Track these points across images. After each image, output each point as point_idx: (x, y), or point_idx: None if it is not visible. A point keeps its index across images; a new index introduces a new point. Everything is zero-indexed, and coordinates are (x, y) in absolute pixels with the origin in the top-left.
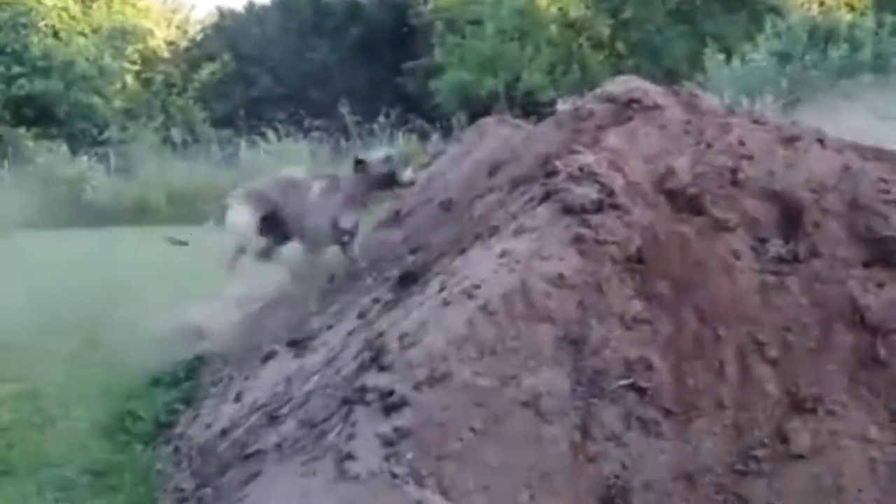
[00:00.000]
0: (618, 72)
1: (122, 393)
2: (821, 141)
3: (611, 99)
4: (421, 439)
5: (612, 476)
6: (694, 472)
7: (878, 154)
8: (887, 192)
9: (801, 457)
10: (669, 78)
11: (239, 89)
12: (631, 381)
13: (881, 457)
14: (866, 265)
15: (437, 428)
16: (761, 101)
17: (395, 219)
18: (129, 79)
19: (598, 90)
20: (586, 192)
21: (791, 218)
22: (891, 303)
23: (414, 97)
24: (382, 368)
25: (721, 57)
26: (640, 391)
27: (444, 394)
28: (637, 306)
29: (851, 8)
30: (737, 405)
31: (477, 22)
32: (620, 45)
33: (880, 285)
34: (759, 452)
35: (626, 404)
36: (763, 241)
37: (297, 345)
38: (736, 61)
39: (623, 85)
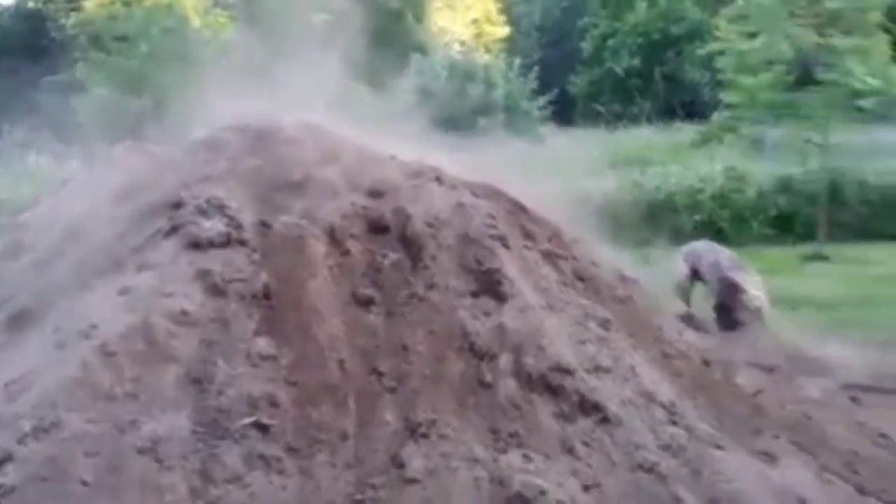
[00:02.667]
0: None
1: None
2: (438, 178)
3: (245, 129)
4: (25, 497)
5: None
6: None
7: (488, 191)
8: (494, 227)
9: (415, 481)
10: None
11: None
12: (255, 419)
13: (485, 475)
14: (475, 295)
15: (41, 483)
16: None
17: (14, 250)
18: None
19: (232, 120)
20: (213, 227)
21: (411, 251)
22: (495, 329)
23: (53, 115)
24: None
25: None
26: (264, 429)
27: (51, 445)
28: (262, 343)
29: (488, 50)
30: (358, 436)
31: (124, 38)
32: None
33: (487, 314)
34: (377, 480)
35: (250, 444)
36: (383, 273)
37: None
38: (383, 95)
39: (258, 116)
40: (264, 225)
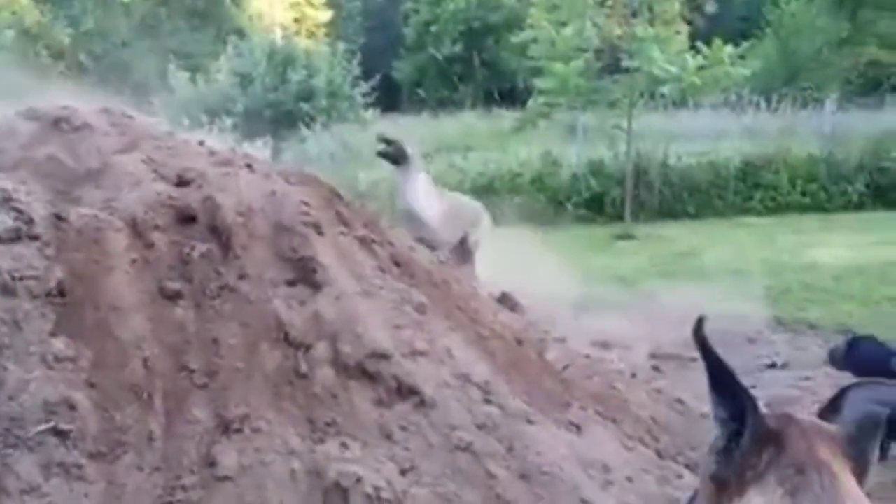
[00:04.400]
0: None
1: None
2: (249, 166)
3: (36, 117)
4: None
5: None
6: None
7: (302, 178)
8: (308, 214)
9: (227, 478)
10: (137, 94)
11: None
12: (52, 425)
13: (302, 467)
14: (290, 284)
15: None
16: (221, 122)
17: None
18: None
19: (24, 107)
20: (2, 220)
21: (221, 242)
22: (311, 318)
23: None
24: None
25: (186, 75)
26: (62, 434)
27: None
28: (59, 344)
29: (311, 35)
30: (166, 436)
31: None
32: (83, 57)
33: (302, 303)
34: (187, 481)
35: (47, 451)
36: (191, 265)
37: None
38: (201, 80)
39: (51, 102)
40: (59, 218)
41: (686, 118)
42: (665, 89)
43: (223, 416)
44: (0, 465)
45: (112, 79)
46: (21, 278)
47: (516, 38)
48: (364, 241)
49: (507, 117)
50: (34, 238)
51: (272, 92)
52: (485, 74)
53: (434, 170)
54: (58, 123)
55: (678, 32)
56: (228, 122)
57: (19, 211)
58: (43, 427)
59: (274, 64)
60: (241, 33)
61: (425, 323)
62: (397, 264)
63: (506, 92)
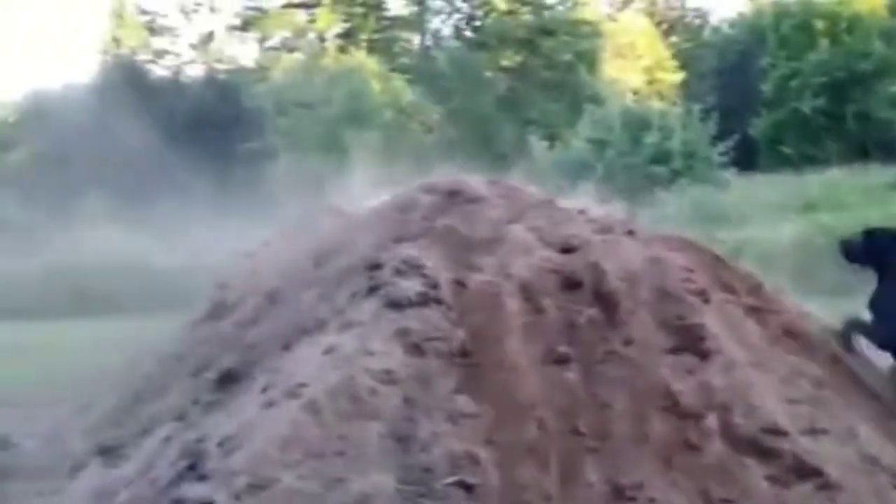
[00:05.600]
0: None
1: None
2: (630, 232)
3: (434, 190)
4: None
5: None
6: None
7: (682, 244)
8: (691, 281)
9: None
10: (498, 163)
11: (51, 173)
12: (459, 478)
13: None
14: (675, 352)
15: None
16: (579, 187)
17: (217, 312)
18: None
19: (421, 182)
20: (411, 286)
21: (606, 307)
22: (700, 387)
23: (245, 181)
24: (201, 477)
25: (545, 143)
26: (468, 488)
27: (266, 501)
28: (462, 401)
29: (662, 97)
30: (562, 498)
31: (308, 105)
32: (451, 132)
33: (690, 371)
34: None
35: (455, 503)
36: (578, 329)
37: (110, 453)
38: (559, 147)
39: (446, 177)
40: (459, 283)
41: None
42: None
43: (616, 482)
44: None
45: (476, 150)
46: (429, 339)
47: (893, 87)
48: (752, 310)
49: (879, 172)
50: (439, 302)
51: (627, 156)
52: (854, 127)
53: (796, 229)
54: (453, 196)
55: None
56: (586, 187)
57: (426, 276)
58: (451, 479)
59: (628, 128)
60: (595, 100)
61: (824, 399)
62: (789, 334)
63: (880, 144)
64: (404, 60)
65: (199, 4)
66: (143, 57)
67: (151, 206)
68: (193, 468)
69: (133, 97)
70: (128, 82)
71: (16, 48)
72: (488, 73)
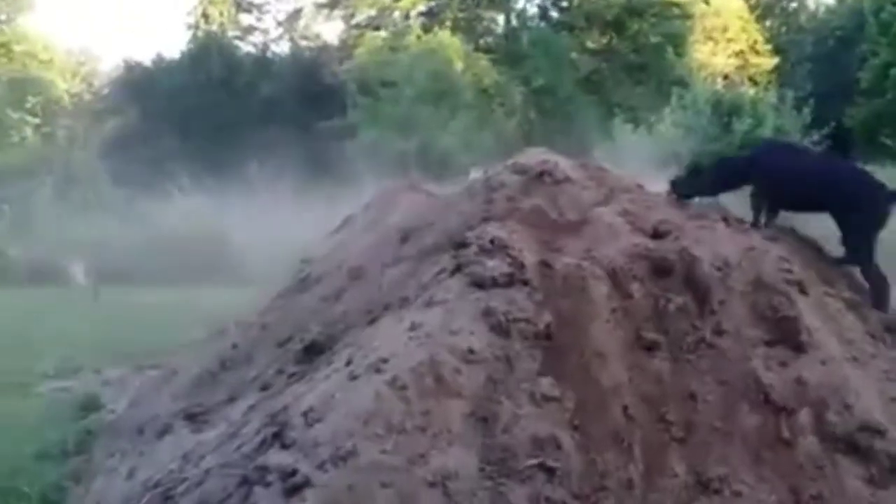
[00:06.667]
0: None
1: (6, 468)
2: (725, 219)
3: (522, 170)
4: None
5: None
6: None
7: (780, 234)
8: (789, 271)
9: None
10: (580, 146)
11: (142, 145)
12: (540, 460)
13: None
14: (769, 344)
15: None
16: (666, 173)
17: (302, 286)
18: (29, 132)
19: (509, 161)
20: (497, 266)
21: (697, 295)
22: (793, 382)
23: (325, 158)
24: (285, 446)
25: (629, 127)
26: (550, 471)
27: (349, 473)
28: (545, 384)
29: (754, 83)
30: (645, 486)
31: (391, 84)
32: (533, 113)
33: (783, 364)
34: None
35: (535, 485)
36: (667, 317)
37: (195, 418)
38: (644, 132)
39: (534, 157)
40: (546, 265)
41: None
42: None
43: (701, 473)
44: (496, 493)
45: (558, 132)
46: (514, 320)
47: None
48: (852, 304)
49: None
50: (525, 283)
51: (716, 142)
52: None
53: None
54: (541, 177)
55: None
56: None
57: (512, 257)
58: (533, 462)
59: (718, 113)
60: (683, 84)
61: None
62: (890, 331)
63: None
64: (488, 40)
65: None
66: (231, 33)
67: (237, 181)
68: (277, 436)
69: (220, 72)
70: (215, 57)
71: (109, 22)
72: (573, 55)
